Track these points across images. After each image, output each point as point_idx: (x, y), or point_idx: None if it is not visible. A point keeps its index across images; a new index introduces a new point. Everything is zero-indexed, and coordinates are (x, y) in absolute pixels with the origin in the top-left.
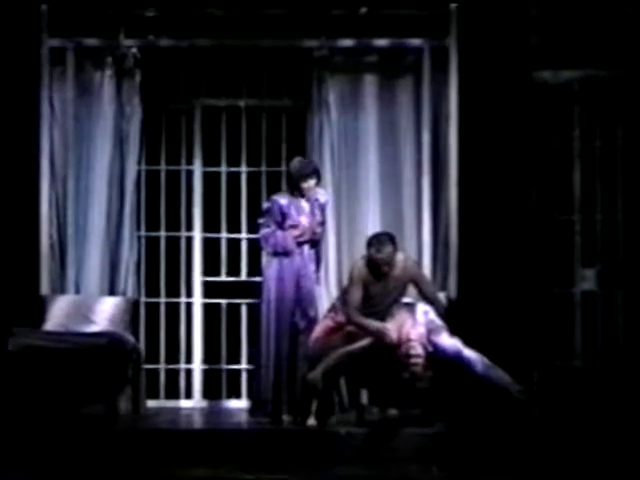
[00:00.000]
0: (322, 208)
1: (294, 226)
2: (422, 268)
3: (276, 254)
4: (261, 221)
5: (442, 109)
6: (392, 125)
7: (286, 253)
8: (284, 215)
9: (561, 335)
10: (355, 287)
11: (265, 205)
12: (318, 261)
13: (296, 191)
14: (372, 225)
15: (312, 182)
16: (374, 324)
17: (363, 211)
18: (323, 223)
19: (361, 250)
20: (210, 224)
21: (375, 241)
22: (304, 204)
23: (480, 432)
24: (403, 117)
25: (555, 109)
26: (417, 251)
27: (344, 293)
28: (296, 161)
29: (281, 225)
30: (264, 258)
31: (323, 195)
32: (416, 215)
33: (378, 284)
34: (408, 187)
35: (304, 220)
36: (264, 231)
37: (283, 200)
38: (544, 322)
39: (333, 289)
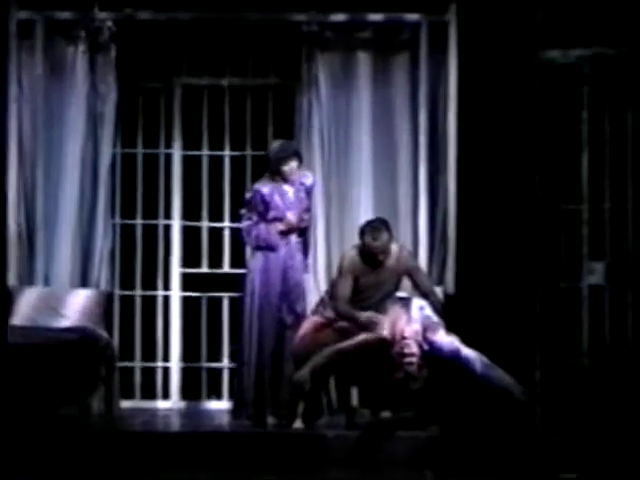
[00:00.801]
0: (308, 192)
1: (279, 219)
2: (418, 260)
3: (259, 248)
4: (243, 212)
5: (440, 89)
6: (386, 106)
7: (270, 248)
8: (267, 205)
9: (567, 332)
10: (344, 278)
11: (246, 195)
12: (306, 249)
13: (278, 176)
14: (364, 213)
15: (294, 164)
16: (363, 314)
17: (354, 198)
18: (309, 209)
19: (352, 239)
20: (190, 212)
21: (370, 228)
22: (288, 189)
23: (478, 436)
24: (398, 98)
25: (562, 90)
26: (412, 242)
27: (333, 286)
28: (275, 143)
29: (264, 216)
30: (248, 249)
31: (308, 177)
32: (412, 203)
33: (370, 276)
34: (403, 173)
35: (291, 216)
36: (246, 223)
37: (265, 188)
38: (548, 318)
39: (322, 282)
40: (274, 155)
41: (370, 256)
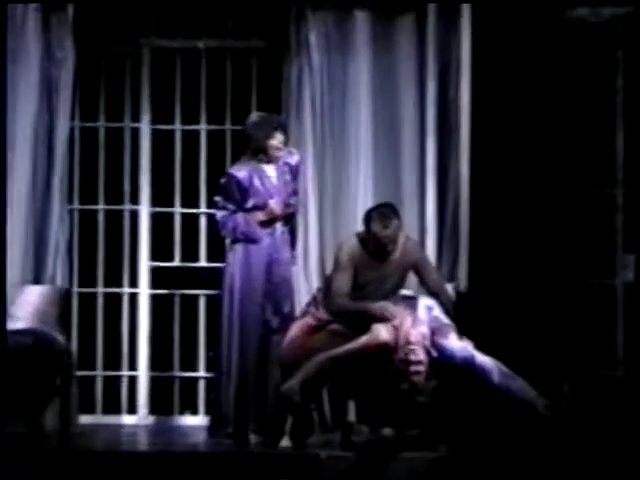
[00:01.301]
0: (294, 172)
1: (260, 207)
2: (426, 252)
3: (238, 241)
4: (217, 199)
5: (452, 55)
6: (389, 75)
7: (250, 241)
8: (245, 191)
9: (599, 337)
10: (343, 273)
11: (221, 181)
12: (294, 239)
13: (260, 154)
14: (363, 198)
15: (278, 139)
16: (373, 304)
17: (352, 181)
18: (296, 192)
19: (349, 228)
20: (161, 196)
21: (378, 214)
22: (270, 171)
23: (494, 458)
24: (402, 64)
25: (593, 55)
26: (419, 231)
27: (328, 281)
28: (254, 116)
29: (242, 205)
30: (227, 240)
31: (294, 156)
32: (418, 186)
33: (371, 270)
34: (408, 152)
35: (274, 204)
36: (221, 214)
37: (242, 172)
38: (577, 321)
39: (314, 278)
40: (254, 130)
41: (376, 247)
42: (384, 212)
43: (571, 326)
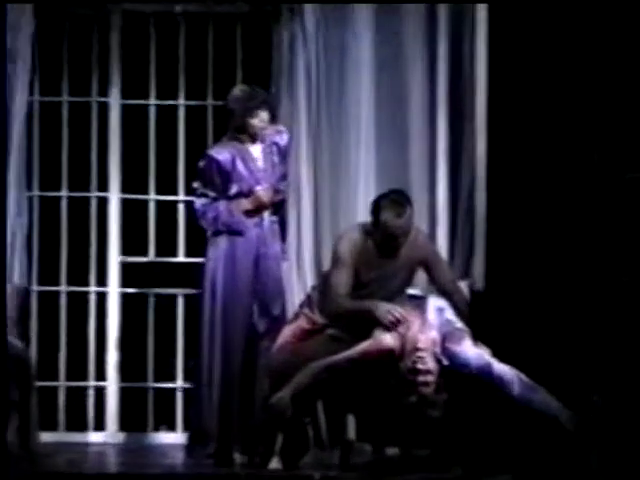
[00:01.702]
0: (283, 153)
1: (245, 194)
2: (436, 246)
3: (220, 233)
4: (196, 185)
5: (465, 22)
6: (394, 42)
7: (233, 232)
8: (227, 176)
9: (634, 342)
10: (342, 269)
11: (200, 164)
12: (283, 230)
13: (242, 134)
14: (364, 183)
15: (263, 117)
16: (377, 307)
17: (352, 163)
18: (286, 176)
19: (349, 218)
20: (133, 181)
21: (389, 202)
22: (256, 153)
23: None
24: (410, 32)
25: (629, 18)
26: (428, 222)
27: (325, 279)
28: (237, 90)
29: (224, 191)
30: (209, 232)
31: (282, 134)
32: (427, 170)
33: (375, 267)
34: (416, 132)
35: (261, 190)
36: (200, 202)
37: (223, 154)
38: (609, 323)
39: (308, 275)
40: (237, 105)
41: (385, 239)
42: (396, 199)
43: (602, 329)
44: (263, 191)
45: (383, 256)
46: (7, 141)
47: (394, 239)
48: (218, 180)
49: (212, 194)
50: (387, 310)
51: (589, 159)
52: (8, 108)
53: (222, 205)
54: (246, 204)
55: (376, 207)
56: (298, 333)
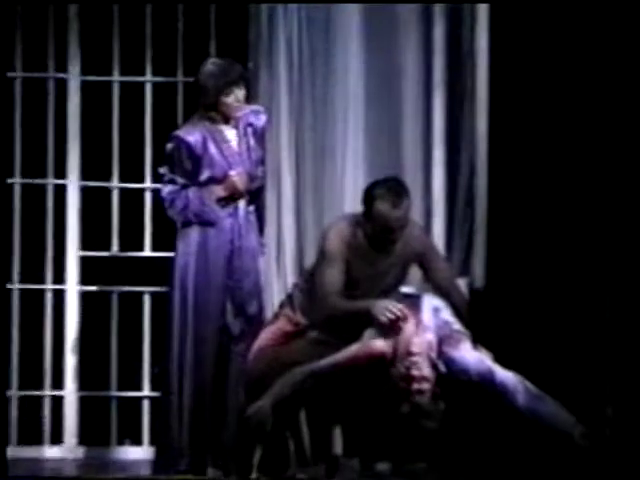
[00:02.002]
0: (260, 135)
1: (217, 180)
2: (432, 239)
3: (190, 224)
4: (162, 171)
5: None
6: (386, 12)
7: (205, 223)
8: (197, 160)
9: None
10: (332, 265)
11: (167, 147)
12: (261, 221)
13: (215, 114)
14: (352, 170)
15: (239, 95)
16: (375, 305)
17: (338, 147)
18: (263, 161)
19: (335, 208)
20: (94, 167)
21: (386, 191)
22: (230, 134)
23: None
24: (405, 5)
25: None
26: (423, 213)
27: (309, 276)
28: (210, 64)
29: (194, 177)
30: (178, 223)
31: (260, 115)
32: (422, 154)
33: (366, 263)
34: (410, 110)
35: (235, 176)
36: (167, 189)
37: (193, 136)
38: (622, 327)
39: (289, 271)
40: (210, 81)
41: (380, 233)
42: (394, 188)
43: (615, 333)
44: (238, 177)
45: (375, 251)
46: None
47: (390, 232)
48: (188, 165)
49: (181, 180)
50: (385, 307)
51: (604, 143)
52: None
53: (192, 192)
54: (219, 191)
55: (370, 196)
56: (278, 335)
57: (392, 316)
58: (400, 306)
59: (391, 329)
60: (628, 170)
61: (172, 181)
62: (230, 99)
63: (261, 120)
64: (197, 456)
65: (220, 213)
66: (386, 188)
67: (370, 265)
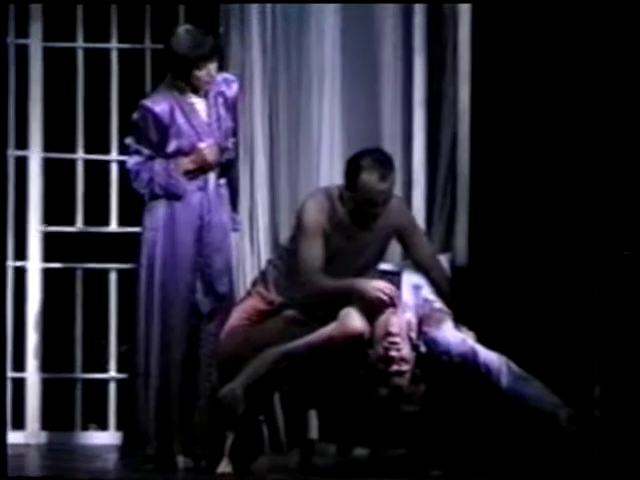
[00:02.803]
0: (231, 105)
1: (185, 152)
2: (412, 213)
3: (156, 197)
4: (128, 142)
5: None
6: None
7: (172, 197)
8: (164, 131)
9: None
10: (311, 241)
11: (133, 116)
12: (234, 195)
13: (184, 83)
14: (328, 140)
15: (211, 69)
16: (367, 283)
17: (314, 117)
18: (235, 132)
19: (311, 180)
20: (57, 137)
21: (371, 162)
22: (199, 103)
23: None
24: None
25: None
26: (402, 185)
27: (285, 251)
28: (181, 32)
29: (161, 149)
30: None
31: (231, 83)
32: (401, 122)
33: (344, 239)
34: (388, 76)
35: (205, 147)
36: (133, 160)
37: (160, 105)
38: (610, 304)
39: (262, 247)
40: (181, 53)
41: (363, 206)
42: (380, 159)
43: (603, 311)
44: (208, 149)
45: (356, 225)
46: None
47: (373, 205)
48: (154, 135)
49: (147, 152)
50: (376, 288)
51: (591, 111)
52: None
53: (158, 165)
54: (187, 164)
55: (355, 167)
56: (251, 314)
57: (385, 297)
58: (391, 286)
59: (377, 310)
60: (615, 142)
61: (137, 152)
62: (202, 73)
63: (232, 89)
64: (164, 442)
65: (188, 187)
66: (373, 159)
67: (348, 240)
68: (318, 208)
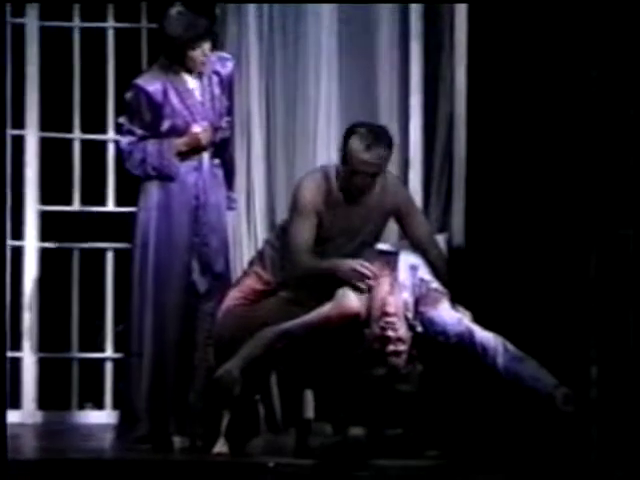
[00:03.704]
0: (226, 84)
1: (178, 132)
2: (410, 192)
3: (149, 178)
4: (122, 121)
5: None
6: None
7: (164, 178)
8: (158, 111)
9: (638, 306)
10: (303, 220)
11: (126, 95)
12: (230, 175)
13: (177, 65)
14: (325, 119)
15: (206, 48)
16: (340, 263)
17: (311, 96)
18: (230, 111)
19: (307, 160)
20: (53, 117)
21: (365, 131)
22: (192, 82)
23: (499, 466)
24: None
25: None
26: (399, 165)
27: (282, 231)
28: (174, 12)
29: (154, 128)
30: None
31: (226, 61)
32: (398, 103)
33: (340, 218)
34: (385, 57)
35: (199, 128)
36: (125, 140)
37: (154, 85)
38: (606, 284)
39: (259, 227)
40: (172, 31)
41: (351, 177)
42: (372, 130)
43: (598, 290)
44: (203, 132)
45: (348, 202)
46: None
47: (360, 175)
48: (147, 115)
49: (139, 131)
50: (351, 268)
51: (587, 90)
52: None
53: (151, 145)
54: (180, 145)
55: (346, 134)
56: (248, 294)
57: (359, 277)
58: (367, 264)
59: (364, 289)
60: (612, 122)
61: (130, 132)
62: (197, 53)
63: (228, 67)
64: (160, 422)
65: (183, 167)
66: (367, 129)
67: (344, 219)
68: (314, 187)
